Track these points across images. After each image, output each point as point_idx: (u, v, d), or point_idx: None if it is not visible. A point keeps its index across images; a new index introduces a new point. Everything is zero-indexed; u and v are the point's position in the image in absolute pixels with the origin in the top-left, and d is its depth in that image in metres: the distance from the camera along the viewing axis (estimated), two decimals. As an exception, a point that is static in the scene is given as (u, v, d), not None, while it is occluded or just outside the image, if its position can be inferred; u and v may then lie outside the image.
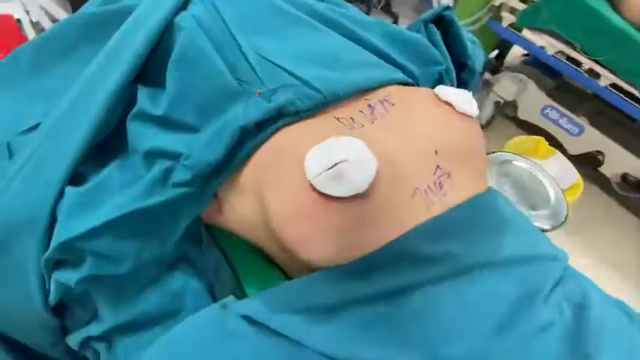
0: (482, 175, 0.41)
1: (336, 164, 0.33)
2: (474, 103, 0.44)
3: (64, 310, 0.41)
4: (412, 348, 0.31)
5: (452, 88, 0.45)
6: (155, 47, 0.40)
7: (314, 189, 0.33)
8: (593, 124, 1.46)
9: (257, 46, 0.41)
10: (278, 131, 0.38)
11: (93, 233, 0.35)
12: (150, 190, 0.37)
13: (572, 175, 1.38)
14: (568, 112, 1.48)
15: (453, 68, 0.55)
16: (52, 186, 0.37)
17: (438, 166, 0.38)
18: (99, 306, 0.40)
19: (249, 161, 0.38)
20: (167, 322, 0.40)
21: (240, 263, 0.46)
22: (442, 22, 0.56)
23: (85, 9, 0.51)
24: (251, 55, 0.40)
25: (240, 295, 0.43)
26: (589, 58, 1.27)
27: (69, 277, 0.36)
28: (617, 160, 1.44)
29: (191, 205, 0.39)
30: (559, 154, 1.43)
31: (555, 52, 1.36)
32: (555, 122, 1.52)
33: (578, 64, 1.32)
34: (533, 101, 1.55)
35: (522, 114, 1.61)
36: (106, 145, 0.41)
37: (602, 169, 1.50)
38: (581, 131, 1.48)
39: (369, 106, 0.41)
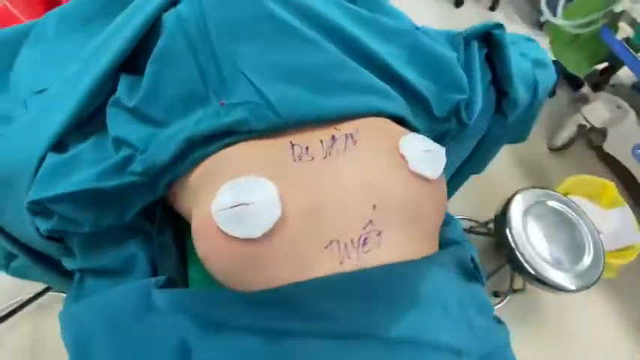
0: (426, 239, 0.41)
1: (239, 205, 0.34)
2: (437, 165, 0.42)
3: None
4: None
5: (420, 140, 0.43)
6: (144, 38, 0.42)
7: None
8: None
9: (235, 53, 0.41)
10: (230, 145, 0.40)
11: (56, 199, 0.40)
12: (111, 173, 0.41)
13: (632, 235, 1.16)
14: (665, 160, 1.25)
15: (479, 101, 0.51)
16: (40, 146, 0.42)
17: (370, 222, 0.37)
18: (73, 247, 0.46)
19: (198, 166, 0.41)
20: (117, 279, 0.46)
21: (191, 245, 0.48)
22: (490, 40, 0.53)
23: None
24: (225, 64, 0.40)
25: (179, 276, 0.49)
26: None
27: (43, 224, 0.42)
28: None
29: (143, 191, 0.43)
30: (626, 208, 1.21)
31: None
32: (645, 167, 1.29)
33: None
34: (627, 136, 1.35)
35: (609, 147, 1.41)
36: (94, 121, 0.45)
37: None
38: (674, 187, 1.25)
39: (333, 137, 0.40)
